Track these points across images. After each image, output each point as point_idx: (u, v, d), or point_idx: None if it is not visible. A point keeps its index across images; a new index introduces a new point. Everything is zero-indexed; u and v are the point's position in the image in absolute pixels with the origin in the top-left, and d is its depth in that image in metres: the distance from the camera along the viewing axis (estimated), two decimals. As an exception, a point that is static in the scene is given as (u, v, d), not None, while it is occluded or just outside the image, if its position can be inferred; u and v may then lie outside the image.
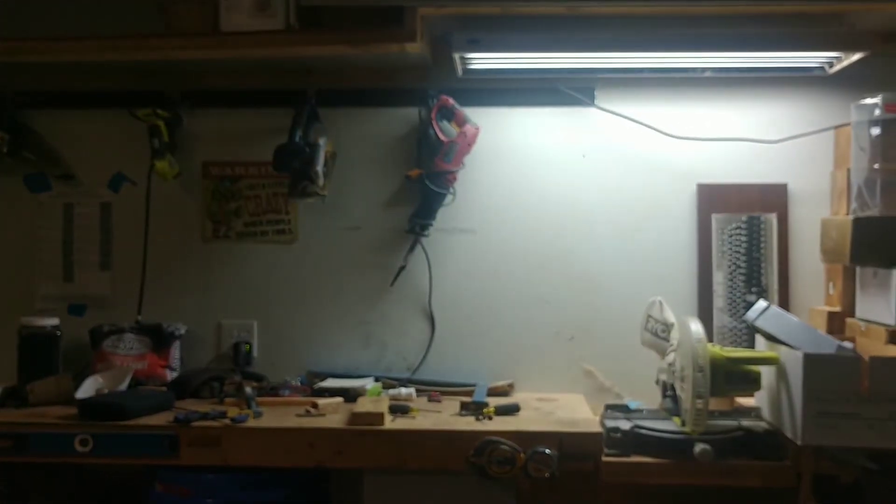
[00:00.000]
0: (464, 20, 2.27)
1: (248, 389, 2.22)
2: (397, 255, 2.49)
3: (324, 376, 2.46)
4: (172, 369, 2.45)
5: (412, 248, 2.47)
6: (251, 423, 2.06)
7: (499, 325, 2.49)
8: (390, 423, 2.06)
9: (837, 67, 2.30)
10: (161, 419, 2.06)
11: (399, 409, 2.15)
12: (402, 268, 2.48)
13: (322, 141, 2.40)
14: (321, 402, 2.19)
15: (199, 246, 2.57)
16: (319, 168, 2.37)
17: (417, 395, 2.34)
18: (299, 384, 2.40)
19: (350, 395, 2.28)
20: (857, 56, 2.22)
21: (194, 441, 2.00)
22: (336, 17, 2.19)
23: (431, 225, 2.45)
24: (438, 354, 2.50)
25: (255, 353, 2.53)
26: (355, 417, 2.04)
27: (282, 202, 2.54)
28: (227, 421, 2.04)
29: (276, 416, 2.11)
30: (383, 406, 2.12)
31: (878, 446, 1.86)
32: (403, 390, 2.34)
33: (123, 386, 2.29)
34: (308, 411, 2.15)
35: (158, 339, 2.45)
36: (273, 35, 2.16)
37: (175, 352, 2.47)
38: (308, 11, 2.18)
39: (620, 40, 2.20)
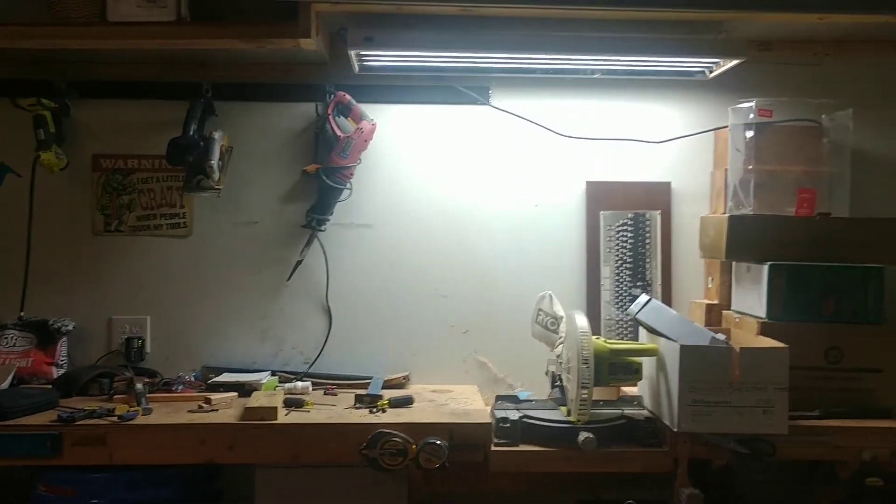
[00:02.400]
0: (360, 17, 2.27)
1: (138, 386, 2.18)
2: (294, 249, 2.49)
3: (220, 371, 2.44)
4: (59, 366, 2.38)
5: (309, 243, 2.47)
6: (140, 420, 2.03)
7: (395, 318, 2.52)
8: (284, 417, 2.06)
9: (717, 72, 2.41)
10: (44, 418, 2.01)
11: (294, 403, 2.16)
12: (299, 262, 2.48)
13: (217, 135, 2.38)
14: (214, 397, 2.18)
15: (89, 240, 2.50)
16: (214, 162, 2.34)
17: (314, 389, 2.35)
18: (193, 379, 2.38)
19: (245, 390, 2.27)
20: (734, 62, 2.33)
21: (79, 440, 1.96)
22: (232, 10, 2.17)
23: (328, 220, 2.46)
24: (335, 348, 2.51)
25: (148, 348, 2.48)
26: (248, 412, 2.04)
27: (176, 196, 2.50)
28: (114, 419, 2.01)
29: (167, 413, 2.09)
30: (277, 400, 2.12)
31: (747, 432, 1.98)
32: (299, 384, 2.34)
33: (5, 385, 2.22)
34: (200, 407, 2.13)
35: (44, 335, 2.37)
36: (162, 27, 2.11)
37: (62, 348, 2.40)
38: (203, 2, 2.15)
39: (512, 41, 2.25)
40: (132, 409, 2.07)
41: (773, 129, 2.34)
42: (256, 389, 2.28)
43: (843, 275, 2.17)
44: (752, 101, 2.31)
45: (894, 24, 2.19)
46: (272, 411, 2.04)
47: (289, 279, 2.49)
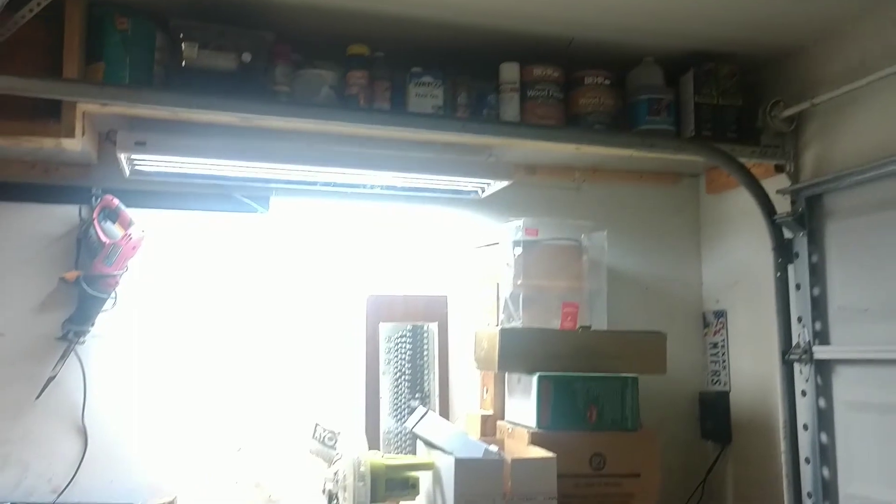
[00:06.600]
0: (134, 120, 2.19)
1: None
2: (47, 364, 2.25)
3: (-56, 507, 2.13)
4: None
5: (64, 357, 2.25)
6: None
7: (162, 437, 2.34)
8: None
9: (489, 192, 2.56)
10: None
11: (34, 542, 1.91)
12: (52, 378, 2.25)
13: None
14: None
15: None
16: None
17: (61, 522, 2.11)
18: (-90, 519, 2.05)
19: (-25, 529, 1.99)
20: (503, 183, 2.49)
21: None
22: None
23: (88, 331, 2.27)
24: (91, 473, 2.27)
25: None
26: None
27: None
28: None
29: None
30: (14, 539, 1.88)
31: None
32: (42, 518, 2.09)
33: None
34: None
35: None
36: None
37: None
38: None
39: (292, 153, 2.26)
40: None
41: (540, 246, 2.51)
42: (-10, 526, 2.00)
43: (603, 384, 2.31)
44: (520, 220, 2.47)
45: (637, 157, 2.46)
46: (6, 553, 1.79)
47: (38, 397, 2.24)
